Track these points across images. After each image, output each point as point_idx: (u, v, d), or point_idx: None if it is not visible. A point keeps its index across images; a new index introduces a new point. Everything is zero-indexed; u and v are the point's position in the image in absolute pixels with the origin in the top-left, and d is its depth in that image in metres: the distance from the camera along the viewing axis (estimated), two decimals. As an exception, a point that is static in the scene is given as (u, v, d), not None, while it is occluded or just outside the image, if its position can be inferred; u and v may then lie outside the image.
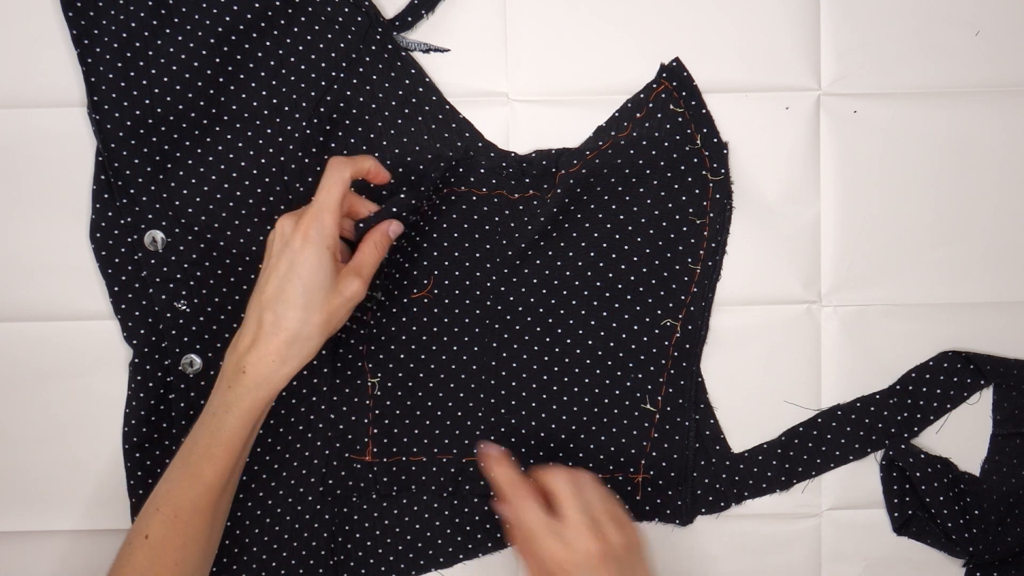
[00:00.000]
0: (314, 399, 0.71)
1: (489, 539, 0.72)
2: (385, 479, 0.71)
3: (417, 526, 0.72)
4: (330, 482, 0.71)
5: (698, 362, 0.72)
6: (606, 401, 0.72)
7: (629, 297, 0.71)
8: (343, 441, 0.71)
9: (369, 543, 0.72)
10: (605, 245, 0.71)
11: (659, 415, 0.71)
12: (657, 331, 0.71)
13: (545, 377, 0.72)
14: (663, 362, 0.71)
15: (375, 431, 0.71)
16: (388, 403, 0.71)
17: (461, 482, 0.72)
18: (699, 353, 0.72)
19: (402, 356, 0.71)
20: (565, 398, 0.72)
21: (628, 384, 0.72)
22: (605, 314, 0.71)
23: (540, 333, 0.72)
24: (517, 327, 0.71)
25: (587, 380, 0.72)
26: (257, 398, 0.61)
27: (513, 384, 0.72)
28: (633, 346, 0.71)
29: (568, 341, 0.71)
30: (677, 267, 0.71)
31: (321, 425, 0.71)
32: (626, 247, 0.71)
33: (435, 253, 0.71)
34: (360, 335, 0.71)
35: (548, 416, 0.72)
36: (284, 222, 0.63)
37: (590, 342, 0.71)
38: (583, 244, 0.71)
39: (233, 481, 0.63)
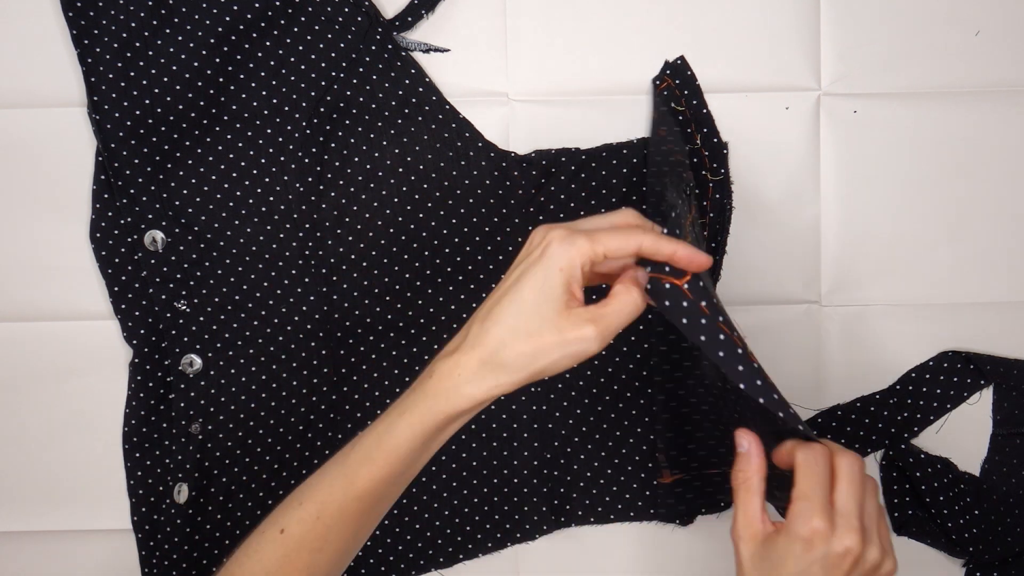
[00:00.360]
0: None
1: (489, 539, 0.72)
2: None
3: (417, 526, 0.72)
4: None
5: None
6: (607, 398, 0.72)
7: None
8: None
9: (369, 543, 0.72)
10: None
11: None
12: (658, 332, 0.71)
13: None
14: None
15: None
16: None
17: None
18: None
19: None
20: (565, 402, 0.72)
21: (630, 384, 0.72)
22: None
23: None
24: None
25: (585, 382, 0.72)
26: (433, 408, 0.53)
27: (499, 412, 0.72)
28: (634, 344, 0.71)
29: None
30: None
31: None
32: None
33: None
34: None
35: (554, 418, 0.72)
36: (547, 231, 0.53)
37: None
38: None
39: (391, 494, 0.57)
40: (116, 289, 0.69)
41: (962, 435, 0.73)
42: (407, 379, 0.71)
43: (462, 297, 0.71)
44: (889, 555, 0.55)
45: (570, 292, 0.52)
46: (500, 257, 0.71)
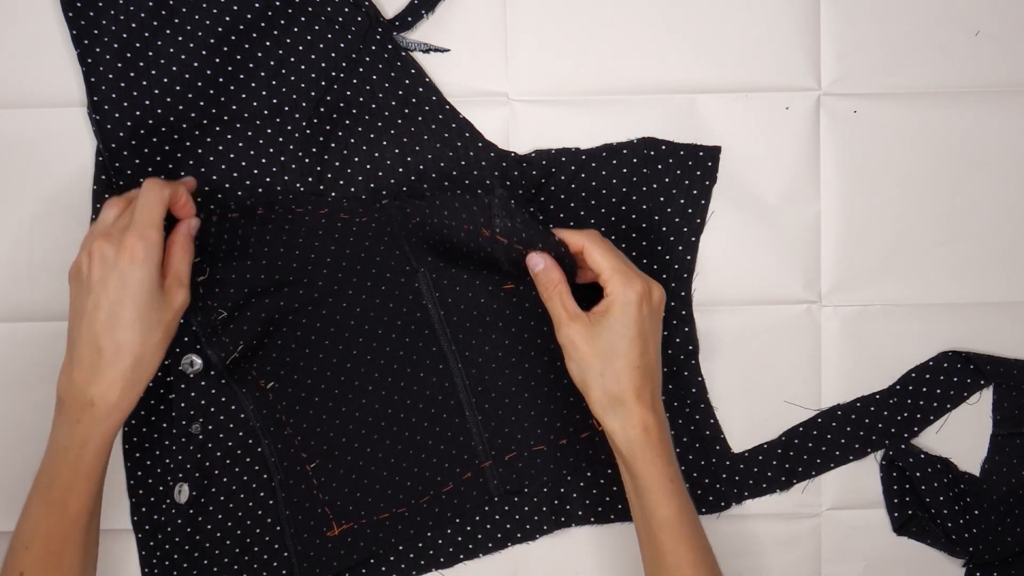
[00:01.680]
0: (266, 490, 0.71)
1: (489, 539, 0.72)
2: (362, 543, 0.70)
3: (417, 526, 0.72)
4: (304, 565, 0.70)
5: (696, 356, 0.72)
6: (526, 367, 0.71)
7: None
8: (304, 525, 0.70)
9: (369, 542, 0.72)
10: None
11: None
12: None
13: (466, 381, 0.71)
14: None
15: (328, 501, 0.70)
16: (329, 474, 0.70)
17: (431, 523, 0.71)
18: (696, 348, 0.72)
19: (324, 428, 0.71)
20: (492, 394, 0.71)
21: (542, 346, 0.71)
22: (495, 306, 0.71)
23: (512, 338, 0.72)
24: (493, 336, 0.71)
25: (504, 367, 0.71)
26: (110, 426, 0.60)
27: (438, 401, 0.71)
28: None
29: (473, 341, 0.71)
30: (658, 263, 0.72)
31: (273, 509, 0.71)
32: (623, 246, 0.71)
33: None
34: (286, 419, 0.70)
35: (483, 415, 0.71)
36: (102, 245, 0.59)
37: (493, 335, 0.71)
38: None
39: (98, 508, 0.62)
40: (116, 289, 0.69)
41: (962, 435, 0.73)
42: (408, 379, 0.71)
43: (362, 337, 0.71)
44: (656, 283, 0.64)
45: (158, 281, 0.60)
46: (394, 287, 0.71)
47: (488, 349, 0.71)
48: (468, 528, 0.72)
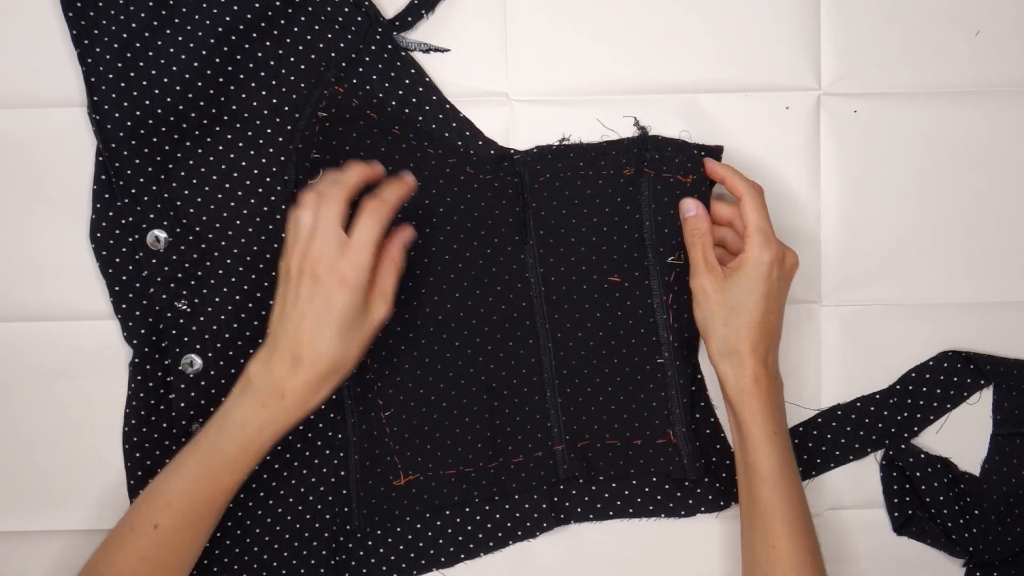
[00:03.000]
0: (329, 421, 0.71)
1: (491, 539, 0.72)
2: (425, 496, 0.71)
3: (418, 526, 0.72)
4: (365, 512, 0.71)
5: (697, 342, 0.72)
6: (615, 362, 0.72)
7: (619, 276, 0.71)
8: (371, 472, 0.71)
9: (370, 543, 0.72)
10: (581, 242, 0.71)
11: (671, 371, 0.71)
12: (650, 302, 0.71)
13: (553, 362, 0.72)
14: (665, 320, 0.71)
15: (398, 451, 0.71)
16: (403, 424, 0.71)
17: (496, 489, 0.72)
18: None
19: (405, 377, 0.71)
20: (576, 380, 0.72)
21: (636, 345, 0.71)
22: (597, 295, 0.71)
23: (536, 321, 0.72)
24: (515, 316, 0.72)
25: (593, 357, 0.72)
26: (291, 420, 0.63)
27: (522, 374, 0.72)
28: (630, 311, 0.71)
29: (568, 324, 0.72)
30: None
31: (342, 454, 0.71)
32: (625, 246, 0.71)
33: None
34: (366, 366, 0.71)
35: (564, 399, 0.72)
36: (317, 262, 0.61)
37: (589, 324, 0.72)
38: (568, 239, 0.71)
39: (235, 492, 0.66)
40: (116, 289, 0.69)
41: (962, 435, 0.73)
42: (496, 345, 0.71)
43: (458, 293, 0.71)
44: (791, 250, 0.67)
45: (363, 299, 0.62)
46: (499, 253, 0.71)
47: (581, 335, 0.72)
48: (469, 528, 0.72)
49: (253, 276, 0.70)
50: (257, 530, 0.71)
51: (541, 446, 0.72)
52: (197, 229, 0.69)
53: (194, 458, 0.63)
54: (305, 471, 0.71)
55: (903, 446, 0.72)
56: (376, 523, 0.71)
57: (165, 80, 0.67)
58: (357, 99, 0.69)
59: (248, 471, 0.64)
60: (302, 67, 0.69)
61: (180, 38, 0.67)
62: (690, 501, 0.72)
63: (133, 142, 0.67)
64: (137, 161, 0.68)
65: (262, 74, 0.69)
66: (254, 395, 0.62)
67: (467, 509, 0.72)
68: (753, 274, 0.65)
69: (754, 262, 0.65)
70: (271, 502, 0.71)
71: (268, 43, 0.69)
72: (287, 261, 0.63)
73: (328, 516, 0.71)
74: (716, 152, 0.70)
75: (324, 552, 0.72)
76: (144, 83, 0.67)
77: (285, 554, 0.71)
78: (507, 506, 0.72)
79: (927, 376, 0.73)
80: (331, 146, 0.69)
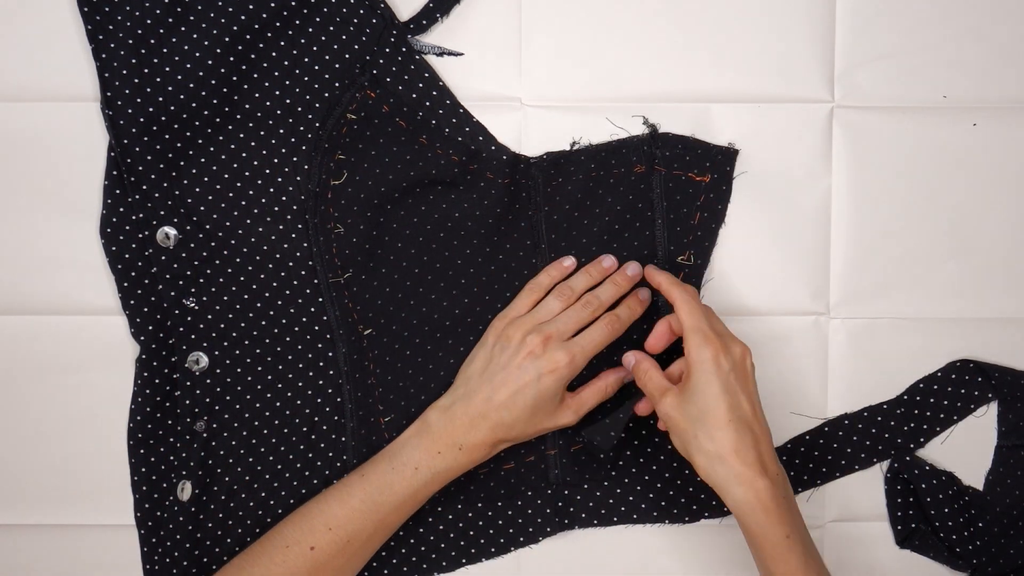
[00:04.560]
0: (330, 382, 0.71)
1: (493, 544, 0.72)
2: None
3: (421, 530, 0.72)
4: (364, 450, 0.70)
5: None
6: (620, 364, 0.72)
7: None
8: (364, 406, 0.71)
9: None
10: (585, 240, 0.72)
11: None
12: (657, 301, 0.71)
13: None
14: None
15: (382, 393, 0.71)
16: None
17: (483, 495, 0.72)
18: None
19: (407, 383, 0.71)
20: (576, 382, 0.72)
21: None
22: None
23: None
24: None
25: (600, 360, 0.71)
26: (460, 471, 0.67)
27: None
28: None
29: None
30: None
31: (345, 457, 0.71)
32: (635, 243, 0.71)
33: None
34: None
35: None
36: (546, 341, 0.66)
37: None
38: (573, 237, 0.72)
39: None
40: (125, 285, 0.69)
41: (966, 446, 0.73)
42: (411, 379, 0.71)
43: (468, 299, 0.71)
44: (737, 340, 0.65)
45: (561, 395, 0.67)
46: (511, 259, 0.71)
47: None
48: (472, 532, 0.72)
49: (262, 275, 0.70)
50: (257, 530, 0.71)
51: (534, 450, 0.72)
52: (207, 227, 0.69)
53: (362, 490, 0.65)
54: (306, 472, 0.71)
55: (908, 458, 0.72)
56: None
57: (179, 77, 0.67)
58: (388, 106, 0.69)
59: (411, 513, 0.67)
60: (316, 67, 0.69)
61: (195, 36, 0.67)
62: (694, 507, 0.72)
63: (145, 138, 0.67)
64: (149, 158, 0.68)
65: (276, 73, 0.69)
66: (432, 441, 0.66)
67: (470, 514, 0.72)
68: (702, 376, 0.62)
69: (697, 363, 0.62)
70: (272, 502, 0.71)
71: (282, 43, 0.69)
72: (512, 325, 0.68)
73: None
74: (731, 154, 0.70)
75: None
76: (158, 80, 0.67)
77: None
78: (510, 512, 0.72)
79: (935, 387, 0.73)
80: (357, 149, 0.69)
